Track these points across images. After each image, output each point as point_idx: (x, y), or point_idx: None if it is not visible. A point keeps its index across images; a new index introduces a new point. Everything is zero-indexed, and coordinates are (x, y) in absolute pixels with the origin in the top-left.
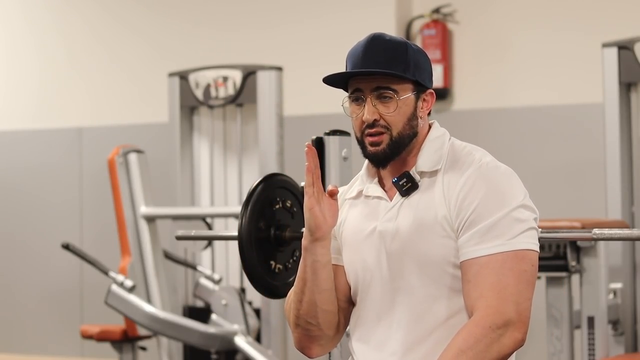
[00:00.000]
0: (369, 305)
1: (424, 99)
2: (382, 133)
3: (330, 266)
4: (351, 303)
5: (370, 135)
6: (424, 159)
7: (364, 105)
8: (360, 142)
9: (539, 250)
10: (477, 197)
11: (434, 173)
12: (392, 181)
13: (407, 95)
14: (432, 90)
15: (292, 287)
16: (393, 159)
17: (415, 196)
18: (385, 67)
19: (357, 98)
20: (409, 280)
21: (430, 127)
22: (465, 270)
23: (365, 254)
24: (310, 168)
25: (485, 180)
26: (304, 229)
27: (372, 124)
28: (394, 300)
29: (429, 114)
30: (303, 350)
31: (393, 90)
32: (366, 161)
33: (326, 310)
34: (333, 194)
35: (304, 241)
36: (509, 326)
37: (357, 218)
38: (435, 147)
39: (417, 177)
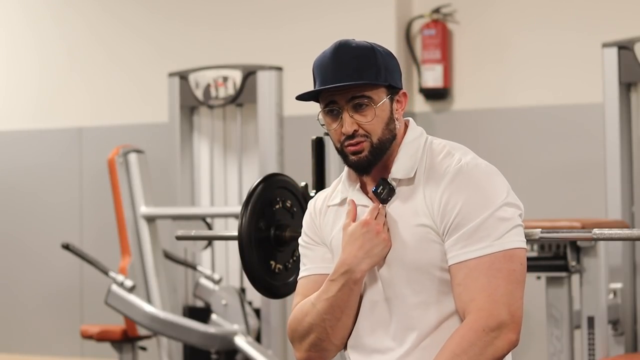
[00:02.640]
0: (363, 314)
1: (398, 100)
2: (362, 142)
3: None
4: None
5: (351, 145)
6: (398, 166)
7: (341, 117)
8: (341, 152)
9: (526, 247)
10: (459, 200)
11: (411, 180)
12: (372, 191)
13: (382, 100)
14: (404, 91)
15: (312, 313)
16: (376, 164)
17: (398, 203)
18: (357, 76)
19: (332, 110)
20: (400, 289)
21: (406, 127)
22: (454, 274)
23: None
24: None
25: (466, 182)
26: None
27: (352, 135)
28: (386, 310)
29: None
30: None
31: (368, 97)
32: (346, 167)
33: (351, 326)
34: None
35: (355, 275)
36: (502, 328)
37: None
38: (410, 151)
39: (393, 182)
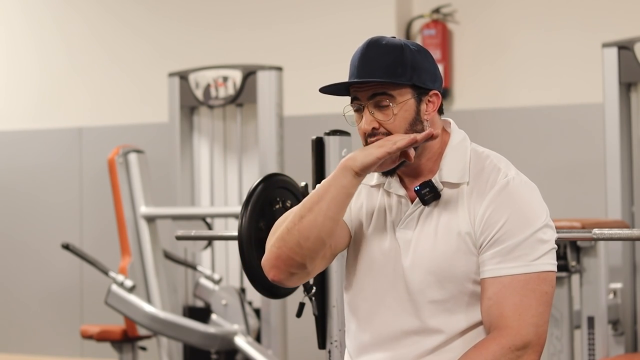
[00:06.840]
0: (379, 313)
1: (428, 101)
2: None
3: (349, 202)
4: (332, 259)
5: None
6: (449, 169)
7: (363, 115)
8: None
9: (557, 270)
10: (503, 216)
11: (457, 184)
12: (414, 189)
13: (405, 99)
14: (437, 91)
15: (293, 212)
16: (399, 167)
17: (439, 206)
18: (381, 74)
19: (357, 108)
20: (426, 293)
21: (445, 128)
22: (486, 288)
23: (380, 258)
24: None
25: (511, 198)
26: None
27: (372, 133)
28: (407, 311)
29: (441, 112)
30: (268, 270)
31: (389, 95)
32: None
33: (322, 239)
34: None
35: (349, 162)
36: (527, 348)
37: (378, 215)
38: (458, 155)
39: (439, 186)
